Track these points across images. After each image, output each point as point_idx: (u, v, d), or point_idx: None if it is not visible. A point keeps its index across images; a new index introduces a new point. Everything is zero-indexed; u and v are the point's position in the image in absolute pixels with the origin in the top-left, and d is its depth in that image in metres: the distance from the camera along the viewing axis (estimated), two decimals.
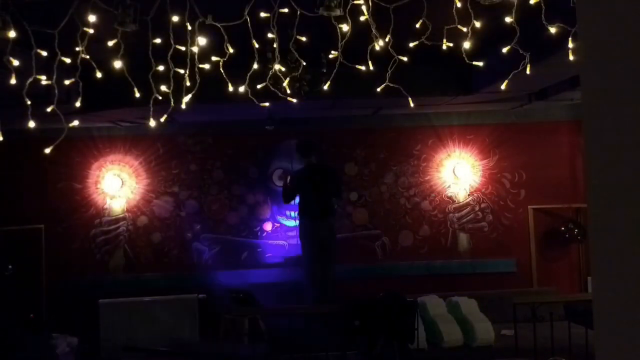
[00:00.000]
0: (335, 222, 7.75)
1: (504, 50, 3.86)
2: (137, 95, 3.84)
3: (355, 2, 3.52)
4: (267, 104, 4.13)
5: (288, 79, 4.10)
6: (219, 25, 3.54)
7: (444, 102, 7.26)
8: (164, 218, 8.25)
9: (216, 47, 3.78)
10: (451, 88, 6.79)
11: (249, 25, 3.50)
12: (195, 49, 3.73)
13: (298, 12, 3.52)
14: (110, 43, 3.69)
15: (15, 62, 3.57)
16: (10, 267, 7.43)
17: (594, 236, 1.25)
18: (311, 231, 7.51)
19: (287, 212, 8.29)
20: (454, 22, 3.66)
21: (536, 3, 3.56)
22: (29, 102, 3.52)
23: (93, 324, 7.21)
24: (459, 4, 3.59)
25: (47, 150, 3.64)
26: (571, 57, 3.85)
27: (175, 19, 3.59)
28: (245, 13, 3.45)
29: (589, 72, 1.27)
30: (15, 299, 7.27)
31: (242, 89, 3.96)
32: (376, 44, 3.73)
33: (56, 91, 3.61)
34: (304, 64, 4.03)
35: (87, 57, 3.62)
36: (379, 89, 3.99)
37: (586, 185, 1.29)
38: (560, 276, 8.38)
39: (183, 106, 3.91)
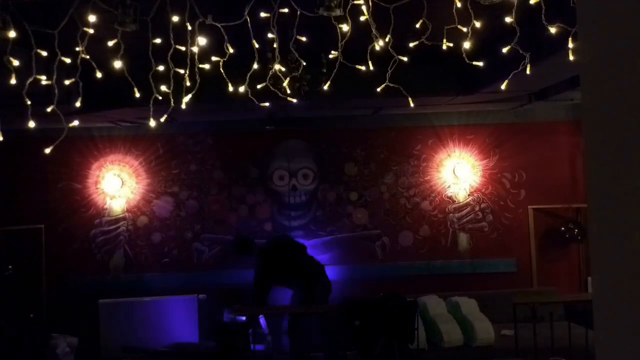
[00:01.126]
0: (327, 280, 6.79)
1: (504, 50, 3.87)
2: (137, 95, 3.84)
3: (355, 2, 3.52)
4: (267, 104, 4.13)
5: (288, 79, 4.10)
6: (219, 25, 3.54)
7: (444, 102, 7.26)
8: (164, 218, 8.24)
9: (216, 47, 3.78)
10: (451, 88, 6.79)
11: (249, 25, 3.50)
12: (195, 49, 3.73)
13: (298, 12, 3.52)
14: (110, 43, 3.69)
15: (15, 62, 3.57)
16: (10, 267, 7.43)
17: (594, 236, 1.26)
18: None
19: (288, 213, 8.30)
20: (454, 22, 3.66)
21: (536, 3, 3.56)
22: (29, 102, 3.52)
23: (93, 324, 7.22)
24: (459, 4, 3.59)
25: (47, 150, 3.64)
26: (571, 57, 3.85)
27: (175, 19, 3.59)
28: (245, 13, 3.45)
29: (589, 72, 1.27)
30: (15, 299, 7.27)
31: (242, 89, 3.96)
32: (376, 44, 3.73)
33: (56, 91, 3.61)
34: (304, 64, 4.03)
35: (87, 57, 3.62)
36: (379, 89, 4.00)
37: (586, 185, 1.29)
38: (560, 276, 8.38)
39: (183, 106, 3.91)
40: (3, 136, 3.53)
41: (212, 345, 6.83)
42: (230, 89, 4.02)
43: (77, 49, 3.57)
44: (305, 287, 6.59)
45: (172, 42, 3.65)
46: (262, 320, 6.98)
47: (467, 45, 3.83)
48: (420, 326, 6.49)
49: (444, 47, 3.80)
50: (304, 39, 3.85)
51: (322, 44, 4.08)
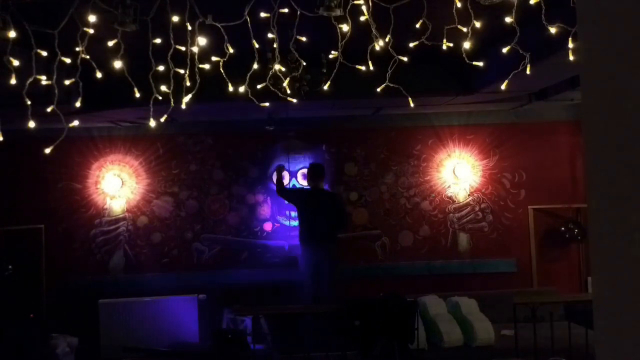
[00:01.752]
0: (336, 248, 7.55)
1: (504, 50, 3.86)
2: (137, 95, 3.83)
3: (355, 2, 3.52)
4: (267, 104, 4.13)
5: (288, 79, 4.09)
6: (219, 25, 3.54)
7: (444, 102, 7.26)
8: (164, 218, 8.25)
9: (216, 47, 3.77)
10: (451, 88, 6.79)
11: (249, 25, 3.50)
12: (195, 49, 3.73)
13: (298, 12, 3.52)
14: (110, 43, 3.68)
15: (15, 62, 3.57)
16: (10, 267, 7.43)
17: (594, 236, 1.25)
18: (307, 257, 7.44)
19: (287, 212, 8.30)
20: (454, 22, 3.66)
21: (536, 3, 3.56)
22: (29, 102, 3.52)
23: (93, 324, 7.22)
24: (459, 4, 3.59)
25: (47, 150, 3.64)
26: (571, 57, 3.85)
27: (175, 19, 3.59)
28: (245, 13, 3.45)
29: (589, 72, 1.27)
30: (15, 299, 7.27)
31: (242, 89, 3.96)
32: (376, 44, 3.73)
33: (56, 91, 3.61)
34: (304, 64, 4.03)
35: (87, 57, 3.62)
36: (379, 89, 3.99)
37: (586, 185, 1.29)
38: (560, 276, 8.38)
39: (183, 106, 3.91)
40: (3, 136, 3.53)
41: (211, 345, 6.83)
42: (230, 89, 4.02)
43: (77, 49, 3.57)
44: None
45: (172, 42, 3.65)
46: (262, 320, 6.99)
47: (467, 45, 3.83)
48: (420, 326, 6.49)
49: (444, 47, 3.80)
50: (304, 39, 3.84)
51: (322, 44, 4.08)
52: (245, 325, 7.00)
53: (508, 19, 3.72)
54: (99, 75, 3.80)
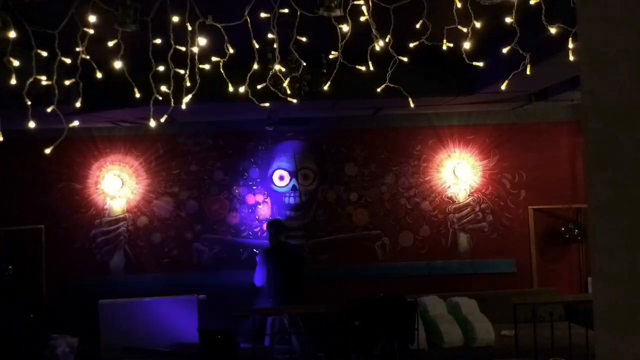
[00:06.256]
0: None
1: (504, 50, 3.87)
2: (137, 95, 3.83)
3: (355, 2, 3.52)
4: (267, 104, 4.13)
5: (288, 79, 4.10)
6: (219, 26, 3.54)
7: (444, 102, 7.26)
8: (164, 218, 8.25)
9: (216, 47, 3.78)
10: (451, 88, 6.79)
11: (249, 25, 3.50)
12: (195, 49, 3.73)
13: (298, 13, 3.52)
14: (110, 43, 3.69)
15: (15, 62, 3.57)
16: (10, 267, 7.44)
17: (594, 236, 1.26)
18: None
19: (288, 213, 8.30)
20: (454, 22, 3.66)
21: (536, 3, 3.56)
22: (29, 102, 3.52)
23: (93, 324, 7.22)
24: (459, 4, 3.59)
25: (47, 150, 3.64)
26: (571, 57, 3.85)
27: (175, 19, 3.59)
28: (245, 13, 3.45)
29: (589, 72, 1.27)
30: (15, 299, 7.28)
31: (242, 89, 3.96)
32: (376, 45, 3.73)
33: (56, 91, 3.61)
34: (304, 64, 4.03)
35: (87, 57, 3.62)
36: (379, 89, 4.00)
37: (586, 185, 1.29)
38: (560, 276, 8.38)
39: (183, 106, 3.91)
40: (3, 136, 3.53)
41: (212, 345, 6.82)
42: (230, 89, 4.02)
43: (77, 49, 3.57)
44: None
45: (172, 42, 3.65)
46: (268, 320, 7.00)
47: (467, 45, 3.83)
48: (420, 326, 6.49)
49: (444, 47, 3.80)
50: (304, 39, 3.84)
51: (322, 44, 4.08)
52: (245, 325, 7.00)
53: (508, 19, 3.72)
54: (99, 75, 3.80)
